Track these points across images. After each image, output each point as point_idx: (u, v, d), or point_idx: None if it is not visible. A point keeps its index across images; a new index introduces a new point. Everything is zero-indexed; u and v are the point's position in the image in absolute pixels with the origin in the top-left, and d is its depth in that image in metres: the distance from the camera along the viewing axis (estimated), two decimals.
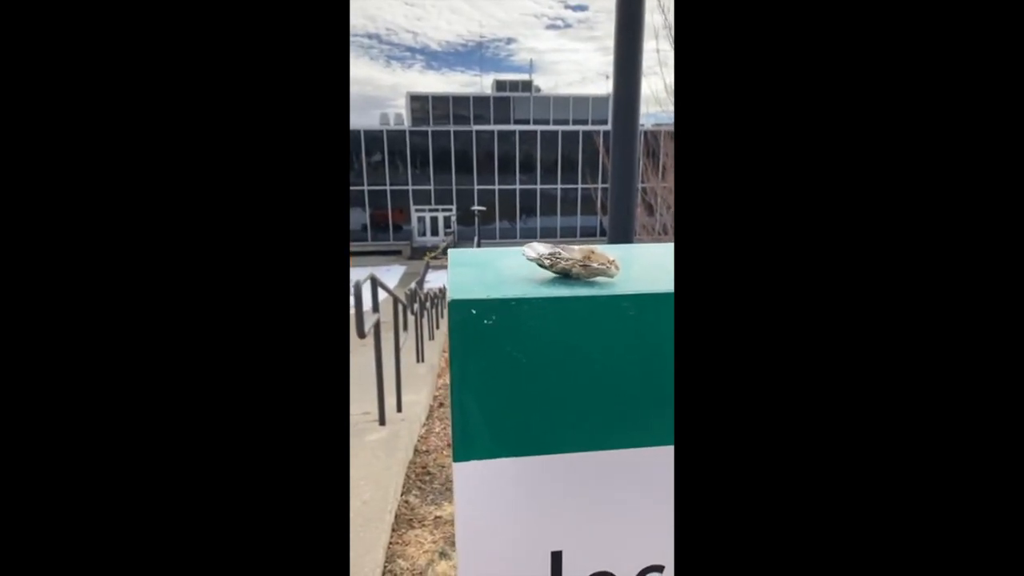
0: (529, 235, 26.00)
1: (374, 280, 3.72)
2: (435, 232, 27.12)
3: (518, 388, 0.59)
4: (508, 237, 26.96)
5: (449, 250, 0.79)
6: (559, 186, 27.10)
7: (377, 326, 3.54)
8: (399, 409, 3.90)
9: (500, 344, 0.58)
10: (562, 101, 27.92)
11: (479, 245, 21.63)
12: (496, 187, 26.99)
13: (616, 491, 0.65)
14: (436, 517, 2.91)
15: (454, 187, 26.80)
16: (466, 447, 0.61)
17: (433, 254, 23.63)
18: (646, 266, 0.76)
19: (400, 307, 4.79)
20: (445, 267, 0.73)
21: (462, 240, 25.74)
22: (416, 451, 3.72)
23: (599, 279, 0.65)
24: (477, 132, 26.45)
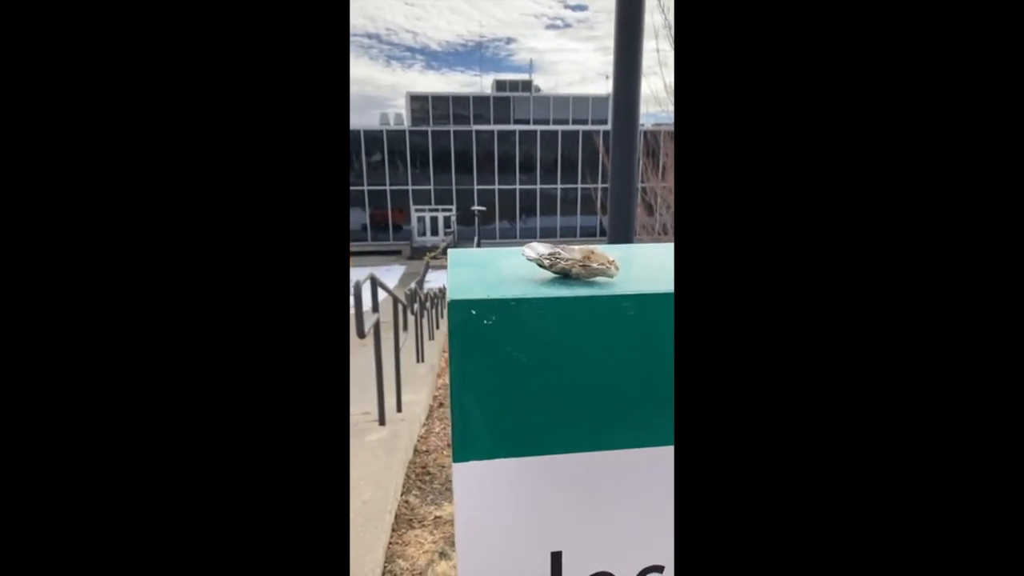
0: (529, 235, 26.00)
1: (374, 280, 3.72)
2: (435, 232, 27.11)
3: (518, 388, 0.59)
4: (508, 237, 26.96)
5: (449, 250, 0.79)
6: (559, 186, 27.10)
7: (377, 326, 3.54)
8: (399, 409, 3.90)
9: (500, 344, 0.58)
10: (562, 101, 27.92)
11: (479, 245, 21.62)
12: (496, 187, 26.99)
13: (616, 491, 0.65)
14: (436, 517, 2.91)
15: (454, 187, 26.80)
16: (466, 447, 0.61)
17: (433, 254, 23.63)
18: (646, 266, 0.76)
19: (400, 307, 4.79)
20: (445, 267, 0.73)
21: (462, 240, 25.74)
22: (416, 451, 3.72)
23: (599, 279, 0.65)
24: (477, 132, 26.45)
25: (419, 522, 2.87)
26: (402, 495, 3.09)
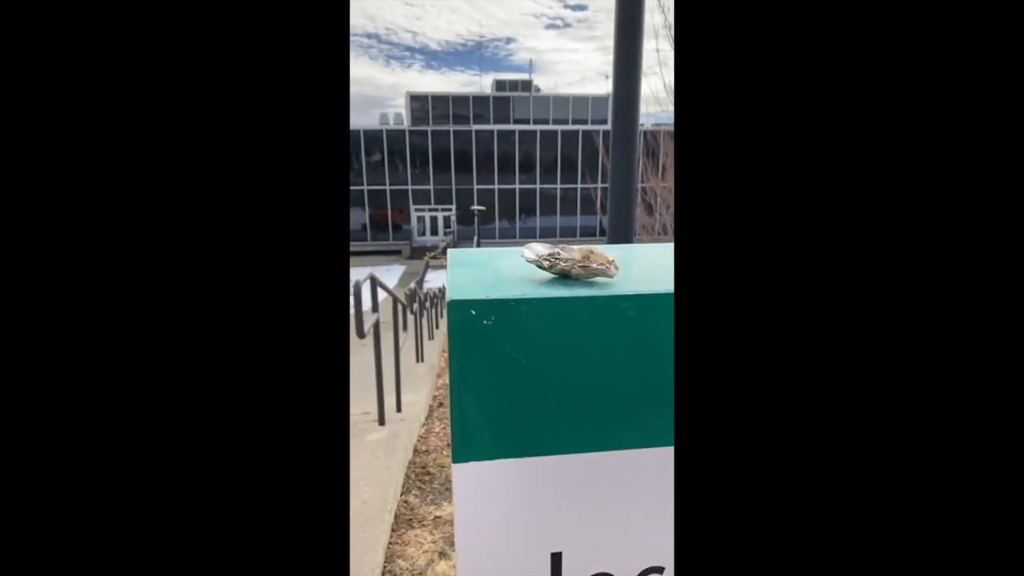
0: (528, 235, 26.00)
1: (374, 280, 3.71)
2: (435, 232, 27.11)
3: (518, 389, 0.59)
4: (508, 237, 26.96)
5: (448, 250, 0.79)
6: (559, 186, 27.10)
7: (377, 326, 3.54)
8: (399, 409, 3.90)
9: (499, 344, 0.58)
10: (562, 101, 27.91)
11: (479, 245, 21.62)
12: (496, 187, 26.99)
13: (616, 492, 0.65)
14: (436, 517, 2.91)
15: (454, 187, 26.80)
16: (465, 448, 0.61)
17: (433, 254, 23.62)
18: (646, 266, 0.76)
19: (400, 307, 4.79)
20: (445, 267, 0.73)
21: (462, 240, 25.74)
22: (416, 451, 3.72)
23: (598, 279, 0.65)
24: (477, 132, 26.45)
25: (419, 522, 2.86)
26: (402, 495, 3.09)
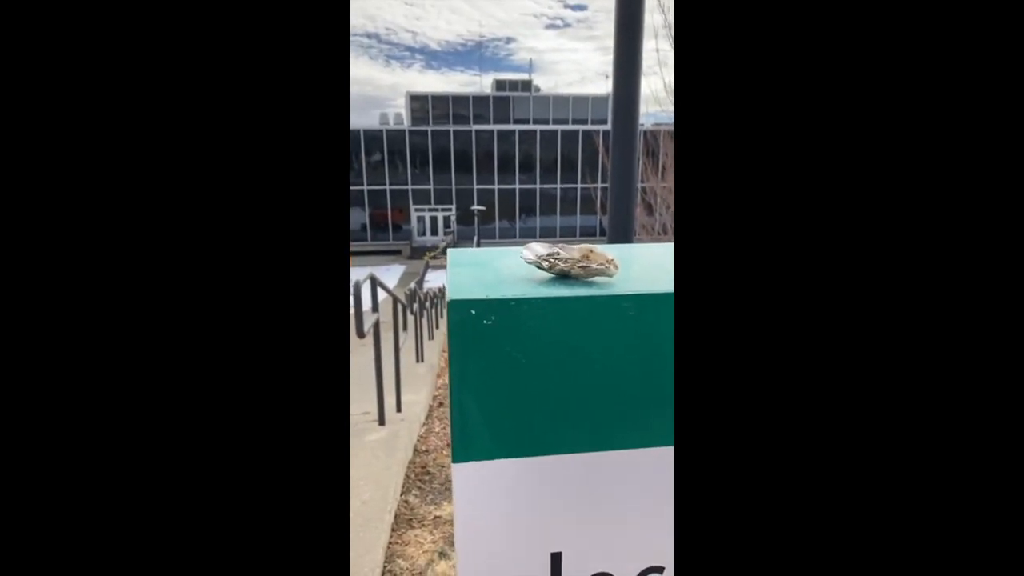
0: (528, 235, 26.00)
1: (374, 280, 3.71)
2: (435, 232, 27.10)
3: (517, 389, 0.59)
4: (508, 237, 26.96)
5: (448, 250, 0.79)
6: (559, 186, 27.10)
7: (377, 326, 3.54)
8: (399, 409, 3.90)
9: (499, 344, 0.58)
10: (562, 101, 27.91)
11: (479, 245, 21.62)
12: (496, 187, 26.98)
13: (616, 492, 0.65)
14: (436, 517, 2.91)
15: (454, 187, 26.80)
16: (465, 448, 0.61)
17: (433, 254, 23.62)
18: (646, 266, 0.76)
19: (400, 307, 4.79)
20: (445, 267, 0.73)
21: (462, 240, 25.73)
22: (416, 451, 3.72)
23: (598, 279, 0.65)
24: (477, 132, 26.45)
25: (419, 522, 2.86)
26: (402, 495, 3.09)
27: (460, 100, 27.41)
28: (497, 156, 26.66)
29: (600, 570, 0.67)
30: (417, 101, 27.09)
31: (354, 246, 23.98)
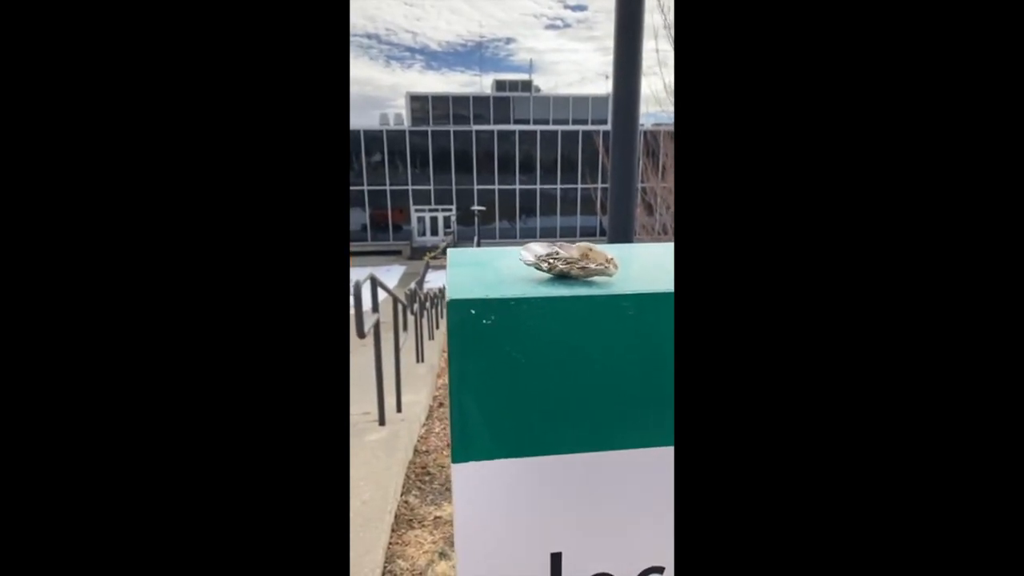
0: (529, 235, 26.00)
1: (374, 280, 3.71)
2: (435, 232, 27.10)
3: (517, 388, 0.59)
4: (508, 237, 26.96)
5: (448, 250, 0.79)
6: (559, 186, 27.10)
7: (377, 326, 3.54)
8: (399, 409, 3.90)
9: (499, 344, 0.58)
10: (562, 101, 27.91)
11: (479, 245, 21.62)
12: (496, 187, 26.98)
13: (616, 492, 0.65)
14: (436, 517, 2.91)
15: (454, 187, 26.80)
16: (465, 448, 0.61)
17: (433, 254, 23.62)
18: (646, 265, 0.76)
19: (400, 307, 4.79)
20: (445, 267, 0.73)
21: (462, 240, 25.73)
22: (416, 451, 3.72)
23: (598, 279, 0.64)
24: (477, 132, 26.45)
25: (419, 522, 2.86)
26: (402, 495, 3.09)
27: (460, 100, 27.42)
28: (497, 156, 26.66)
29: (600, 570, 0.67)
30: (417, 101, 27.09)
31: (354, 246, 23.98)
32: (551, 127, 26.80)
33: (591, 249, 0.66)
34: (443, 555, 2.59)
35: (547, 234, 26.30)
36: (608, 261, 0.64)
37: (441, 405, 4.76)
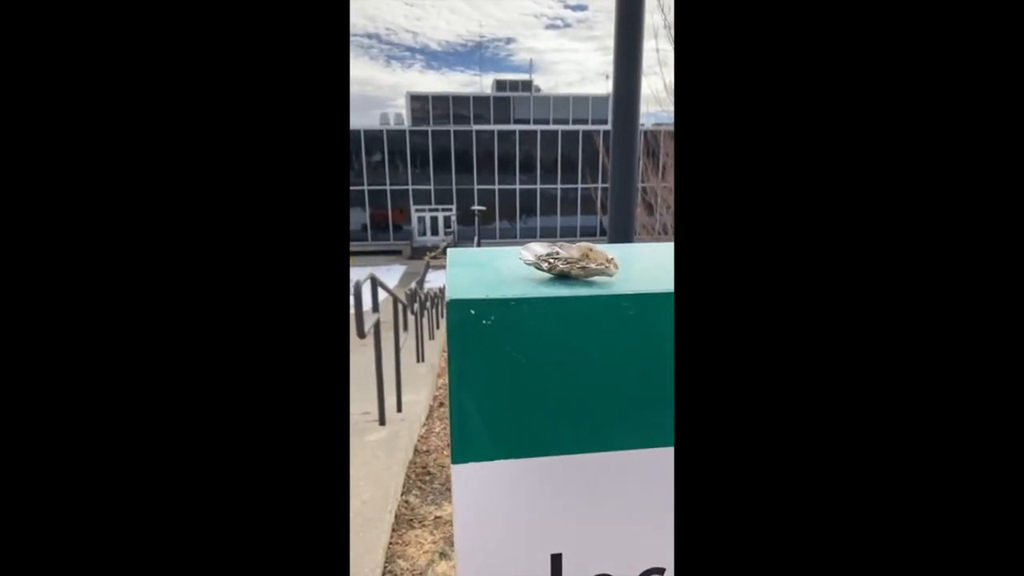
0: (529, 235, 26.00)
1: (374, 280, 3.71)
2: (435, 232, 27.11)
3: (517, 389, 0.59)
4: (508, 237, 26.96)
5: (448, 249, 0.79)
6: (559, 186, 27.10)
7: (377, 326, 3.54)
8: (399, 409, 3.90)
9: (499, 344, 0.58)
10: (562, 101, 27.91)
11: (479, 245, 21.62)
12: (496, 187, 26.98)
13: (616, 493, 0.65)
14: (436, 517, 2.91)
15: (454, 187, 26.80)
16: (465, 449, 0.61)
17: (433, 254, 23.62)
18: (646, 265, 0.76)
19: (400, 307, 4.79)
20: (445, 267, 0.73)
21: (462, 240, 25.73)
22: (416, 451, 3.72)
23: (598, 279, 0.64)
24: (477, 132, 26.45)
25: (419, 522, 2.86)
26: (402, 495, 3.09)
27: (460, 100, 27.42)
28: (497, 156, 26.66)
29: (600, 571, 0.67)
30: (417, 101, 27.09)
31: (354, 246, 23.99)
32: (551, 127, 26.80)
33: (591, 249, 0.66)
34: (443, 555, 2.59)
35: (547, 234, 26.30)
36: (608, 261, 0.64)
37: (441, 405, 4.76)
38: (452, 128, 26.40)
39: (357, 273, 3.35)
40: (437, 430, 4.18)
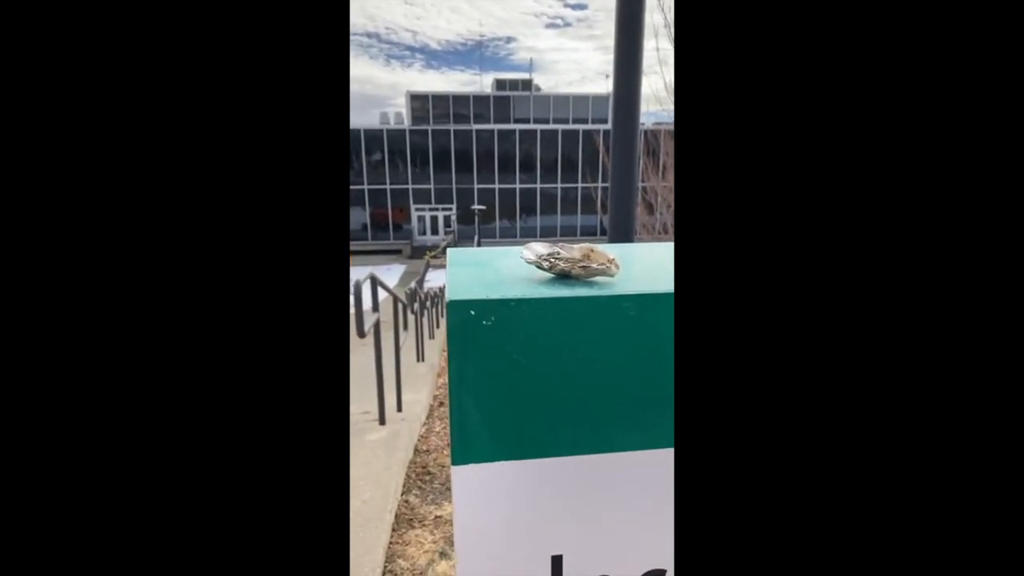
0: (529, 234, 26.00)
1: (374, 279, 3.71)
2: (435, 231, 27.10)
3: (517, 390, 0.59)
4: (508, 236, 26.96)
5: (448, 249, 0.79)
6: (559, 185, 27.10)
7: (377, 325, 3.54)
8: (399, 408, 3.90)
9: (499, 345, 0.58)
10: (562, 100, 27.90)
11: (479, 244, 21.63)
12: (496, 186, 26.98)
13: (616, 494, 0.65)
14: (436, 517, 2.91)
15: (454, 186, 26.80)
16: (465, 450, 0.60)
17: (433, 253, 23.61)
18: (646, 265, 0.76)
19: (400, 306, 4.79)
20: (445, 266, 0.73)
21: (462, 239, 25.73)
22: (416, 451, 3.72)
23: (599, 279, 0.64)
24: (477, 131, 26.44)
25: (419, 522, 2.86)
26: (402, 495, 3.09)
27: (460, 99, 27.41)
28: (498, 155, 26.66)
29: (601, 573, 0.67)
30: (417, 100, 27.09)
31: (354, 245, 24.00)
32: (551, 126, 26.80)
33: (592, 250, 0.66)
34: (443, 555, 2.59)
35: (547, 233, 26.31)
36: (610, 261, 0.64)
37: (441, 404, 4.76)
38: (452, 127, 26.40)
39: (357, 272, 3.35)
40: (437, 429, 4.18)
